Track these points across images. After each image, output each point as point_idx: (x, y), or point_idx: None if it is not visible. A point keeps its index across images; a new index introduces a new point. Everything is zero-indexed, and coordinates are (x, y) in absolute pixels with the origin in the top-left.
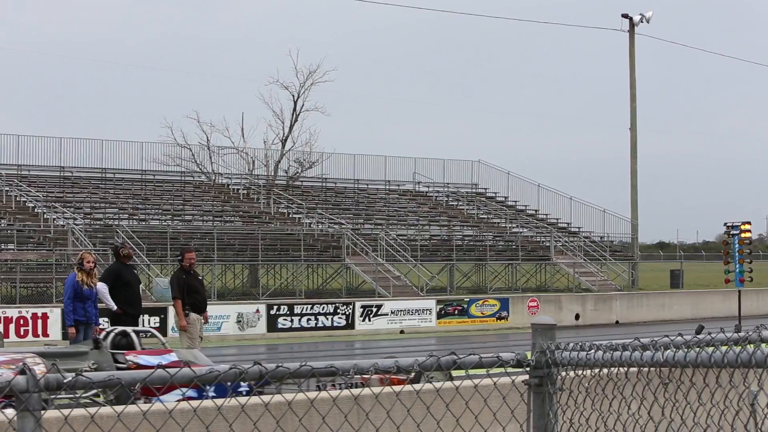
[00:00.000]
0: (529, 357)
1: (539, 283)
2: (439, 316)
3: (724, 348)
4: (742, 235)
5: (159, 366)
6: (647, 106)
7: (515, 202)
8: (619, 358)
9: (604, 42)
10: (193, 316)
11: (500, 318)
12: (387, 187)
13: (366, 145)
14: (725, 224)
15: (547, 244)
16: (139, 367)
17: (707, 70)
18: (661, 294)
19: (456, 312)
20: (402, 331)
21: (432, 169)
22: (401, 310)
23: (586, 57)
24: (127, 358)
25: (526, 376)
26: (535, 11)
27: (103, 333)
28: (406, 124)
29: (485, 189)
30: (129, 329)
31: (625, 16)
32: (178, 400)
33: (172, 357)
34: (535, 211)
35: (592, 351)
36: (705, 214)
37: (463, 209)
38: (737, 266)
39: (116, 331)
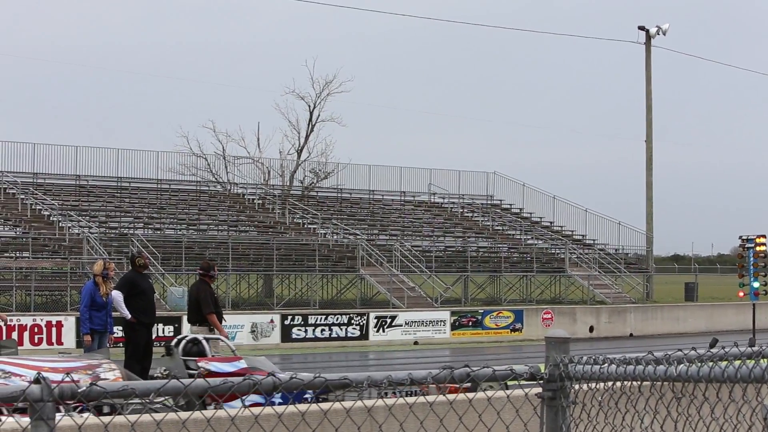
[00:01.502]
0: (542, 370)
1: (554, 295)
2: (453, 327)
3: (737, 362)
4: (757, 248)
5: (231, 374)
6: (663, 118)
7: (530, 213)
8: (632, 372)
9: (621, 54)
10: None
11: (514, 330)
12: (402, 198)
13: (381, 156)
14: (740, 237)
15: (562, 256)
16: (210, 373)
17: (723, 81)
18: (675, 307)
19: (470, 324)
20: (416, 343)
21: (447, 181)
22: (415, 322)
23: (603, 69)
24: (199, 364)
25: (540, 389)
26: (551, 23)
27: (175, 340)
28: (422, 135)
29: (500, 200)
30: (200, 336)
31: (641, 28)
32: (243, 407)
33: (242, 364)
34: (551, 222)
35: (606, 365)
36: (720, 227)
37: (478, 221)
38: (752, 279)
39: (187, 338)
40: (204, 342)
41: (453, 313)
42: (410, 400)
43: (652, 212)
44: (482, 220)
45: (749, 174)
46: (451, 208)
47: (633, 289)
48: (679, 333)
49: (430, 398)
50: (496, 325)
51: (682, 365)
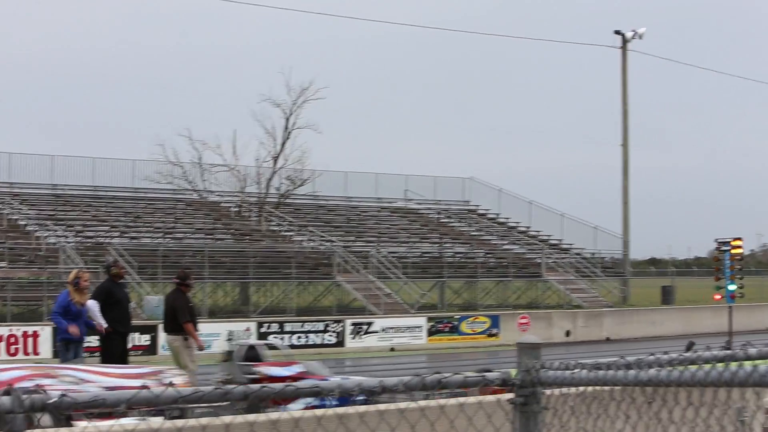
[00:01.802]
0: (513, 376)
1: (530, 300)
2: (430, 333)
3: (708, 366)
4: (733, 251)
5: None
6: (641, 122)
7: (507, 218)
8: (603, 378)
9: (598, 58)
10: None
11: (491, 335)
12: (378, 205)
13: (358, 163)
14: (716, 240)
15: (538, 261)
16: (269, 378)
17: (700, 86)
18: (651, 310)
19: (447, 329)
20: (392, 349)
21: (423, 186)
22: (392, 328)
23: (580, 73)
24: (258, 369)
25: (512, 395)
26: (527, 27)
27: (232, 346)
28: (398, 141)
29: (477, 206)
30: (258, 342)
31: (617, 32)
32: (303, 408)
33: (299, 368)
34: (527, 227)
35: (577, 370)
36: (697, 231)
37: (455, 226)
38: (728, 282)
39: (246, 344)
40: (261, 347)
41: (429, 319)
42: (382, 407)
43: (628, 216)
44: (458, 226)
45: (727, 177)
46: (428, 213)
47: (609, 293)
48: (655, 336)
49: (402, 405)
50: (473, 330)
51: (652, 370)
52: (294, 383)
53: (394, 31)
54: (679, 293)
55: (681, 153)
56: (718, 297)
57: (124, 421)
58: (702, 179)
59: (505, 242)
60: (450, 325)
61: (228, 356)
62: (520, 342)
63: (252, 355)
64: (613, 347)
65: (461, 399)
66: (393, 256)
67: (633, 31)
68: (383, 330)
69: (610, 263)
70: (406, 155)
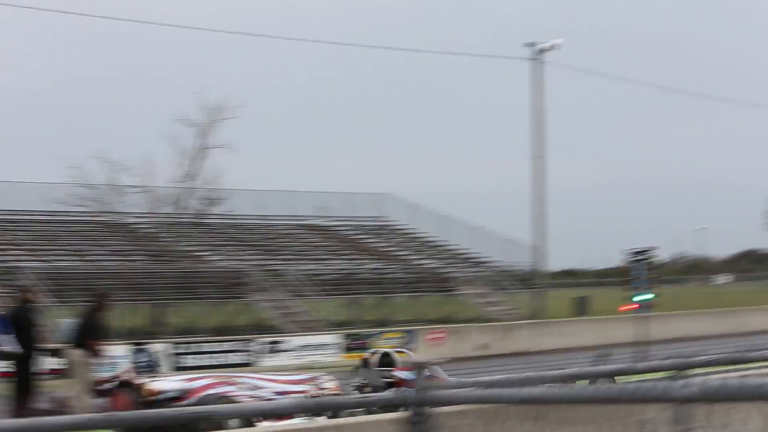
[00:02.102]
0: (407, 395)
1: (446, 315)
2: (345, 350)
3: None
4: (647, 261)
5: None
6: (558, 135)
7: (422, 234)
8: (493, 396)
9: (514, 71)
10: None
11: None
12: (294, 222)
13: (273, 181)
14: (629, 251)
15: (454, 275)
16: (401, 381)
17: (616, 97)
18: (566, 322)
19: (361, 346)
20: (308, 368)
21: (339, 203)
22: (307, 346)
23: (496, 87)
24: (393, 373)
25: (408, 414)
26: (445, 43)
27: (368, 353)
28: (314, 160)
29: (393, 222)
30: (389, 350)
31: (528, 44)
32: None
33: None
34: (443, 242)
35: (468, 389)
36: (613, 241)
37: (369, 242)
38: (641, 292)
39: (380, 352)
40: (394, 354)
41: (344, 336)
42: (278, 425)
43: (544, 228)
44: (374, 242)
45: (643, 189)
46: (343, 230)
47: (525, 305)
48: (570, 348)
49: (299, 424)
50: (389, 346)
51: (541, 387)
52: None
53: (307, 50)
54: (597, 304)
55: (599, 164)
56: (628, 307)
57: (296, 420)
58: (619, 190)
59: (420, 257)
60: (364, 341)
61: (365, 363)
62: (414, 361)
63: (386, 361)
64: (528, 360)
65: (360, 418)
66: (308, 274)
67: (546, 43)
68: (298, 348)
69: (525, 276)
70: (323, 173)
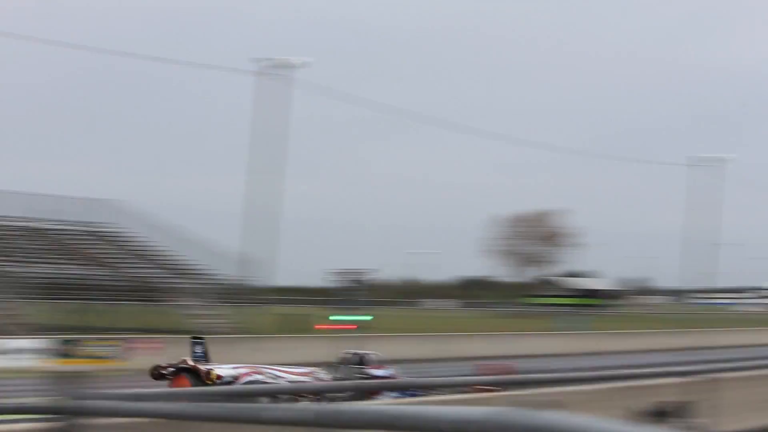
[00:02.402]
0: (56, 403)
1: (145, 324)
2: (50, 355)
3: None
4: (358, 281)
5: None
6: (295, 152)
7: (141, 242)
8: (143, 410)
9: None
10: None
11: (109, 359)
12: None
13: None
14: (336, 271)
15: (162, 285)
16: (374, 377)
17: (363, 117)
18: (263, 338)
19: (63, 353)
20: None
21: (55, 206)
22: (8, 350)
23: (237, 102)
24: (366, 371)
25: (60, 423)
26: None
27: (343, 354)
28: (26, 160)
29: (112, 229)
30: (364, 352)
31: (255, 60)
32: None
33: (390, 371)
34: (160, 252)
35: (121, 401)
36: (343, 259)
37: (82, 247)
38: (348, 313)
39: (356, 352)
40: (366, 355)
41: (48, 341)
42: None
43: (275, 243)
44: (86, 248)
45: (379, 209)
46: (54, 233)
47: (232, 319)
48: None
49: None
50: (92, 354)
51: (181, 403)
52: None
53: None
54: (312, 321)
55: (331, 181)
56: (326, 326)
57: None
58: (357, 209)
59: (133, 265)
60: (68, 348)
61: (342, 361)
62: (59, 370)
63: (358, 360)
64: None
65: (13, 425)
66: (12, 277)
67: (290, 60)
68: None
69: (238, 290)
70: (42, 175)
